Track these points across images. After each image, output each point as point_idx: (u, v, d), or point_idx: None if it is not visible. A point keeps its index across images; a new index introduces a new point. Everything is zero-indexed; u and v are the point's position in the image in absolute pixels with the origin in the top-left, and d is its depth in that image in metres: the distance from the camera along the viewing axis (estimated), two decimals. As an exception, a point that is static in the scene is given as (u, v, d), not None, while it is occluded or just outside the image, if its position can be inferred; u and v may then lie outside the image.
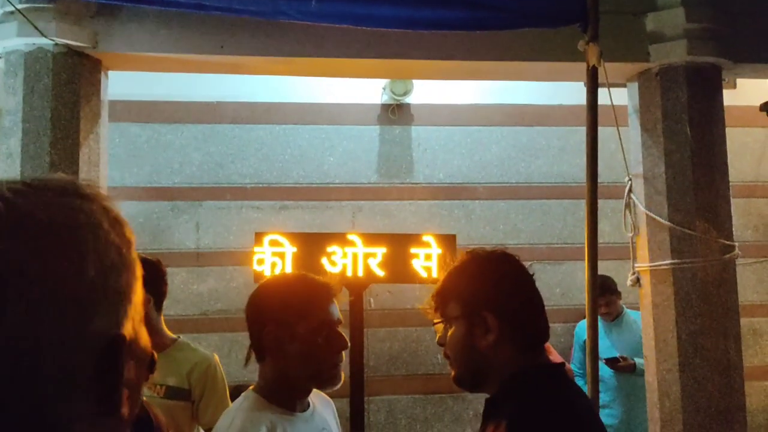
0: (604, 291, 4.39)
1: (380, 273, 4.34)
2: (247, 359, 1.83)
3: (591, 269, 2.86)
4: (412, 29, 3.23)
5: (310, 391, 1.82)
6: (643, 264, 3.71)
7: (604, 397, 4.28)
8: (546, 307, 1.54)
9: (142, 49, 3.48)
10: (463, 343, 1.47)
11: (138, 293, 0.66)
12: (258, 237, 4.38)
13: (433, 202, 5.40)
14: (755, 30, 3.72)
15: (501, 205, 5.46)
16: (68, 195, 0.63)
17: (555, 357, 3.76)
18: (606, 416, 4.39)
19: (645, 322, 3.77)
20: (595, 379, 2.86)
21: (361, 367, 4.39)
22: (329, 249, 4.32)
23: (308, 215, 5.26)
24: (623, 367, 4.50)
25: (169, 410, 2.53)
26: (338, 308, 1.84)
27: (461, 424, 5.21)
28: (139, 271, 0.67)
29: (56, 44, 3.30)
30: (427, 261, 4.36)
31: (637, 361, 4.35)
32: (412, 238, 4.46)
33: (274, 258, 4.29)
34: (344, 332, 1.84)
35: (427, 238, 4.42)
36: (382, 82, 5.27)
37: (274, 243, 4.32)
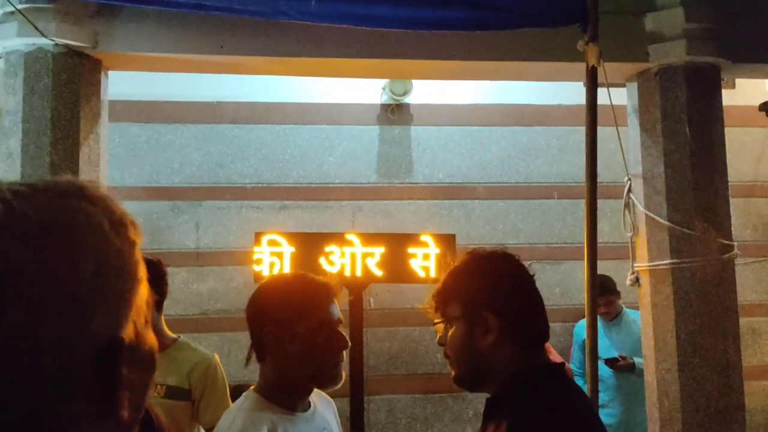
0: (603, 291, 4.40)
1: (378, 273, 4.34)
2: (248, 359, 1.83)
3: (590, 269, 2.86)
4: (411, 29, 3.24)
5: (310, 391, 1.82)
6: (642, 264, 3.72)
7: (603, 397, 4.28)
8: (545, 307, 1.54)
9: (142, 49, 3.48)
10: (464, 343, 1.47)
11: (141, 296, 0.66)
12: (257, 237, 4.38)
13: (433, 202, 5.40)
14: (754, 30, 3.72)
15: (500, 205, 5.46)
16: (69, 196, 0.63)
17: (555, 357, 3.76)
18: (605, 416, 4.40)
19: (644, 322, 3.77)
20: (595, 379, 2.87)
21: (361, 366, 4.40)
22: (327, 249, 4.32)
23: (308, 215, 5.26)
24: (622, 366, 4.51)
25: (169, 410, 2.53)
26: (338, 308, 1.84)
27: (461, 423, 5.22)
28: (142, 274, 0.67)
29: (56, 44, 3.30)
30: (425, 261, 4.36)
31: (637, 360, 4.36)
32: (411, 238, 4.46)
33: (272, 258, 4.29)
34: (344, 332, 1.84)
35: (425, 237, 4.42)
36: (382, 82, 5.27)
37: (272, 243, 4.32)
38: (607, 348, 4.47)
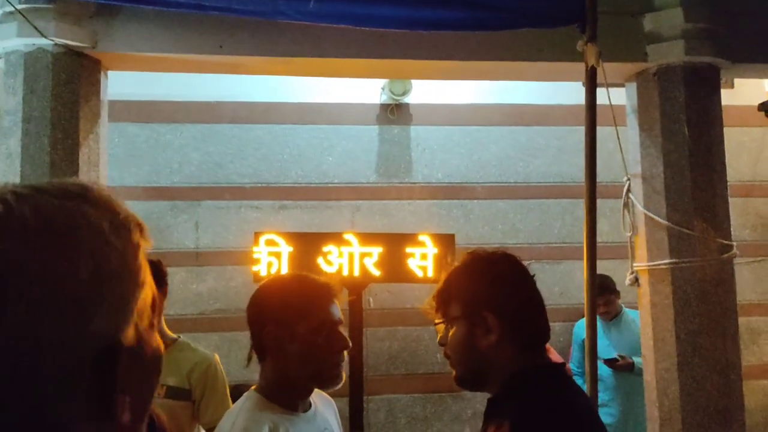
0: (603, 291, 4.41)
1: (376, 273, 4.34)
2: (249, 359, 1.84)
3: (590, 269, 2.87)
4: (411, 29, 3.24)
5: (311, 391, 1.82)
6: (641, 263, 3.72)
7: (602, 396, 4.29)
8: (545, 307, 1.55)
9: (141, 49, 3.47)
10: (464, 343, 1.47)
11: (144, 299, 0.66)
12: (256, 237, 4.38)
13: (432, 202, 5.41)
14: (753, 30, 3.73)
15: (500, 205, 5.46)
16: (71, 198, 0.63)
17: (555, 357, 3.77)
18: (604, 415, 4.40)
19: (643, 322, 3.77)
20: (594, 379, 2.87)
21: (361, 366, 4.40)
22: (325, 249, 4.31)
23: (307, 215, 5.27)
24: (622, 366, 4.51)
25: (169, 410, 2.53)
26: (339, 308, 1.84)
27: (460, 423, 5.22)
28: (145, 277, 0.66)
29: (56, 44, 3.29)
30: (423, 261, 4.36)
31: (636, 360, 4.36)
32: (409, 238, 4.45)
33: (270, 258, 4.28)
34: (343, 332, 1.84)
35: (423, 237, 4.41)
36: (381, 82, 5.27)
37: (270, 243, 4.31)
38: (606, 348, 4.47)
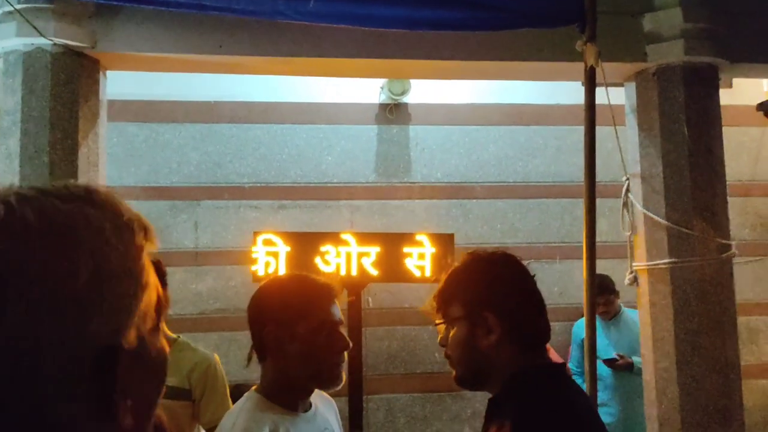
0: (602, 290, 4.41)
1: (374, 272, 4.34)
2: (249, 359, 1.84)
3: (589, 268, 2.87)
4: (411, 29, 3.24)
5: (311, 391, 1.82)
6: (640, 263, 3.72)
7: (601, 396, 4.29)
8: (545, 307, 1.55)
9: (140, 49, 3.47)
10: (465, 343, 1.48)
11: (147, 301, 0.66)
12: (254, 236, 4.38)
13: (431, 202, 5.41)
14: (752, 30, 3.73)
15: (499, 205, 5.47)
16: (75, 200, 0.63)
17: (555, 357, 3.77)
18: (604, 415, 4.39)
19: (643, 321, 3.78)
20: (594, 378, 2.88)
21: (360, 366, 4.40)
22: (323, 248, 4.31)
23: (306, 215, 5.27)
24: (621, 365, 4.52)
25: (169, 410, 2.54)
26: (339, 309, 1.84)
27: (460, 422, 5.23)
28: (148, 279, 0.66)
29: (55, 44, 3.29)
30: (421, 260, 4.36)
31: (635, 359, 4.37)
32: (406, 238, 4.45)
33: (268, 258, 4.28)
34: (344, 332, 1.84)
35: (421, 237, 4.41)
36: (380, 82, 5.27)
37: (267, 242, 4.31)
38: (605, 347, 4.48)
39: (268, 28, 3.44)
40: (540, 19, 3.08)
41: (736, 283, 3.70)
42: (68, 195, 0.64)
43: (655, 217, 3.62)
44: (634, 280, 3.77)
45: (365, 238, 4.41)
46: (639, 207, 3.72)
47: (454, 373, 1.53)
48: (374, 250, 4.35)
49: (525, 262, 1.58)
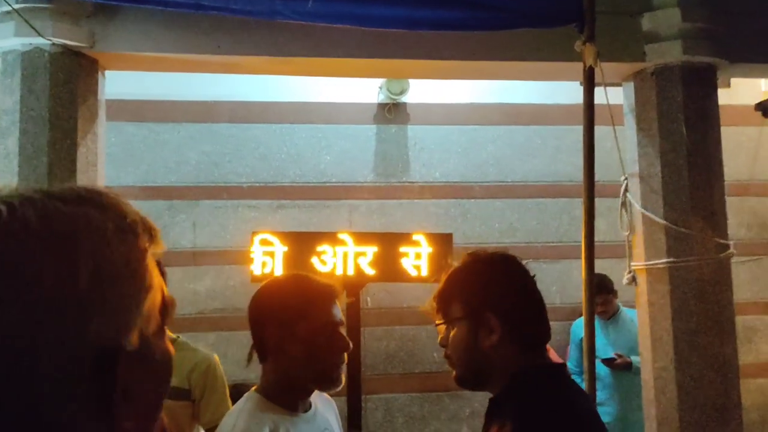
0: (600, 290, 4.42)
1: (371, 272, 4.34)
2: (249, 358, 1.84)
3: (588, 268, 2.88)
4: (410, 29, 3.24)
5: (312, 392, 1.82)
6: (639, 263, 3.73)
7: (600, 395, 4.30)
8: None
9: (139, 49, 3.47)
10: (466, 344, 1.48)
11: (151, 303, 0.66)
12: (252, 236, 4.38)
13: (430, 201, 5.41)
14: (751, 30, 3.74)
15: (497, 204, 5.47)
16: (77, 202, 0.63)
17: (554, 357, 3.77)
18: (602, 414, 4.36)
19: (641, 321, 3.78)
20: (593, 377, 2.88)
21: (358, 365, 4.40)
22: (319, 248, 4.31)
23: (305, 214, 5.26)
24: (619, 365, 4.53)
25: (169, 410, 2.52)
26: (341, 310, 1.84)
27: (458, 422, 5.23)
28: (152, 281, 0.66)
29: (53, 44, 3.29)
30: (417, 260, 4.36)
31: (633, 358, 4.38)
32: (403, 237, 4.45)
33: (264, 257, 4.28)
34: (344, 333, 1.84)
35: (418, 236, 4.41)
36: (379, 82, 5.27)
37: (264, 242, 4.31)
38: (604, 346, 4.48)
39: (267, 28, 3.44)
40: (539, 19, 3.08)
41: (734, 283, 3.71)
42: (72, 197, 0.64)
43: (654, 217, 3.63)
44: (633, 280, 3.77)
45: (362, 237, 4.41)
46: (637, 207, 3.72)
47: (454, 373, 1.53)
48: (371, 250, 4.35)
49: (523, 262, 1.59)
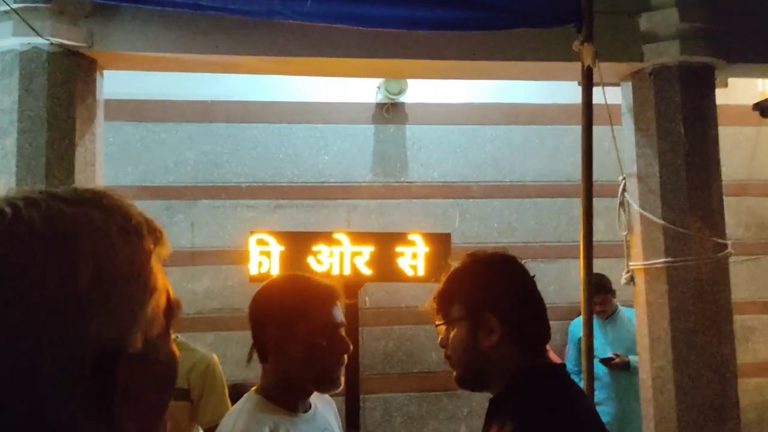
0: (599, 290, 4.42)
1: (367, 272, 4.33)
2: (249, 358, 1.84)
3: (586, 268, 2.88)
4: (409, 29, 3.24)
5: (311, 392, 1.82)
6: (637, 262, 3.74)
7: (598, 395, 4.30)
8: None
9: (137, 49, 3.47)
10: (466, 344, 1.48)
11: (155, 306, 0.66)
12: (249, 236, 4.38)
13: (428, 201, 5.41)
14: (748, 30, 3.74)
15: (495, 204, 5.47)
16: (81, 204, 0.64)
17: (554, 358, 3.78)
18: (600, 413, 4.39)
19: (639, 320, 3.79)
20: (591, 377, 2.89)
21: (357, 365, 4.40)
22: (315, 248, 4.30)
23: (303, 214, 5.26)
24: (617, 364, 4.53)
25: (168, 410, 2.53)
26: (341, 311, 1.84)
27: (456, 421, 5.23)
28: (156, 283, 0.66)
29: (51, 44, 3.28)
30: (414, 260, 4.36)
31: (632, 358, 4.38)
32: (400, 237, 4.45)
33: (261, 257, 4.27)
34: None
35: (414, 236, 4.41)
36: (377, 81, 5.27)
37: (260, 242, 4.30)
38: (602, 346, 4.49)
39: (265, 28, 3.44)
40: (537, 19, 3.09)
41: (732, 282, 3.71)
42: (76, 198, 0.64)
43: (652, 217, 3.64)
44: (631, 280, 3.78)
45: (358, 237, 4.41)
46: (635, 206, 3.73)
47: (455, 374, 1.54)
48: (367, 250, 4.34)
49: (522, 262, 1.59)
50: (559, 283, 5.35)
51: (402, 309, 5.12)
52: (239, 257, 4.71)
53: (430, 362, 5.20)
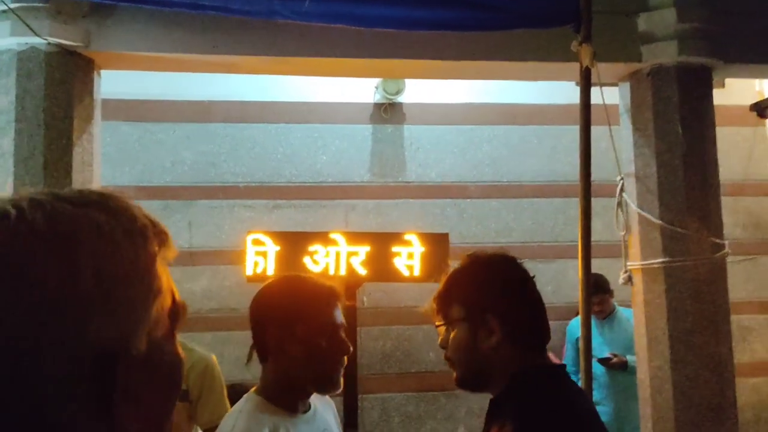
0: (597, 290, 4.42)
1: (363, 272, 4.33)
2: (249, 358, 1.84)
3: (584, 268, 2.88)
4: (408, 29, 3.24)
5: (311, 393, 1.82)
6: (634, 262, 3.74)
7: (596, 395, 4.31)
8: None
9: (135, 48, 3.46)
10: (466, 345, 1.48)
11: (159, 308, 0.65)
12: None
13: (426, 201, 5.41)
14: (746, 30, 3.75)
15: (493, 204, 5.48)
16: (86, 205, 0.64)
17: (553, 359, 3.78)
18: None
19: (637, 320, 3.80)
20: (589, 377, 2.89)
21: (355, 365, 4.40)
22: (311, 248, 4.30)
23: (301, 214, 5.26)
24: (615, 364, 4.54)
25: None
26: (342, 313, 1.84)
27: (454, 421, 5.24)
28: (161, 285, 0.66)
29: (49, 43, 3.28)
30: (410, 260, 4.36)
31: (629, 358, 4.39)
32: (396, 237, 4.45)
33: (257, 257, 4.26)
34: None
35: (410, 236, 4.41)
36: (375, 81, 5.27)
37: (257, 242, 4.30)
38: (599, 346, 4.49)
39: (264, 27, 3.44)
40: (536, 19, 3.09)
41: (729, 282, 3.72)
42: (81, 200, 0.64)
43: (649, 217, 3.64)
44: (629, 280, 3.78)
45: (354, 237, 4.41)
46: (633, 206, 3.74)
47: (454, 374, 1.54)
48: (363, 250, 4.34)
49: (520, 262, 1.59)
50: (556, 283, 5.36)
51: (400, 309, 5.12)
52: (237, 257, 4.70)
53: (428, 362, 5.20)
